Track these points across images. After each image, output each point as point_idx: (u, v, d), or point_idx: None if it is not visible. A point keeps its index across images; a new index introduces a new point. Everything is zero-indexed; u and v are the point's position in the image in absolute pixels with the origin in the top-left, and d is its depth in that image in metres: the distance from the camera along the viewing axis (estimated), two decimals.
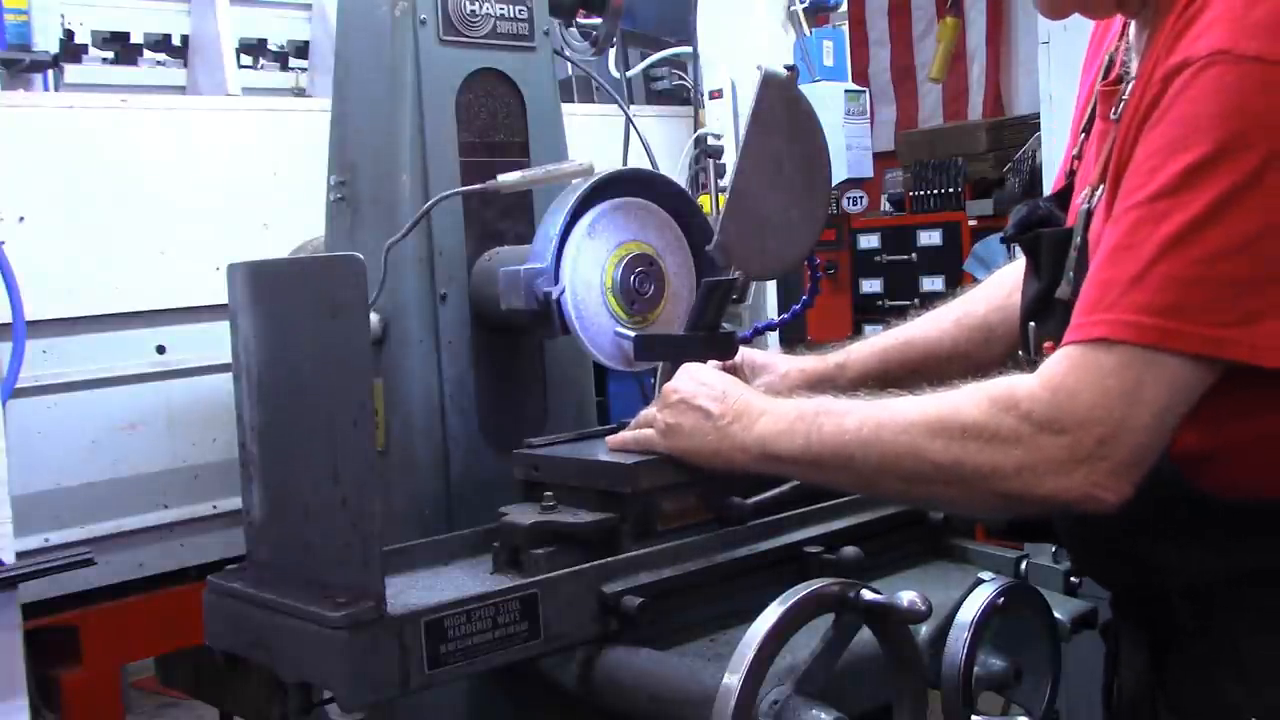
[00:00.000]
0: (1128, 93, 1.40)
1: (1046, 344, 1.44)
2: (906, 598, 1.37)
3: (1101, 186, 1.41)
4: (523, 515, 1.67)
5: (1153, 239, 1.24)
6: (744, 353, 1.89)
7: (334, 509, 1.43)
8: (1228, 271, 1.23)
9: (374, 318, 2.08)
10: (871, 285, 5.81)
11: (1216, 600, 1.39)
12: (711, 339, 1.91)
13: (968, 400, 1.35)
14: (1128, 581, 1.53)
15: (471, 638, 1.44)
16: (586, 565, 1.55)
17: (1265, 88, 1.22)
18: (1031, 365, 1.44)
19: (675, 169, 3.80)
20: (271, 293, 1.59)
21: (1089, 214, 1.43)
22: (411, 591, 1.60)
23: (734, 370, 1.85)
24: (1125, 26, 1.51)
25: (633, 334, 2.05)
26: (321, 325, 1.46)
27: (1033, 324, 1.54)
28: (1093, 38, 1.67)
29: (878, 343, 1.90)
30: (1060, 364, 1.30)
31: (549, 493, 1.71)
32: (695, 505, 1.74)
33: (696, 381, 1.64)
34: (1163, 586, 1.44)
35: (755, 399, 1.57)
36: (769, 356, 1.92)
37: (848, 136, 3.81)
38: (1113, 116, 1.44)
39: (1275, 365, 1.24)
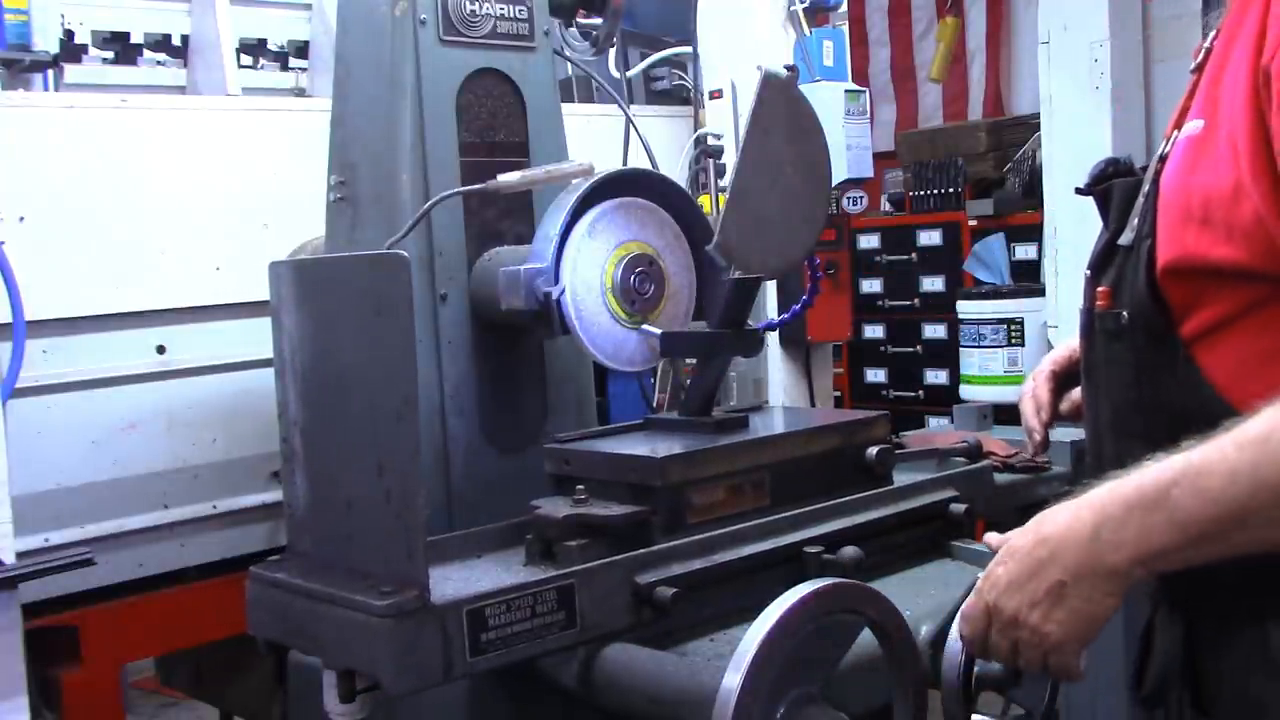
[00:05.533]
0: (1210, 41, 1.37)
1: (1100, 289, 1.40)
2: None
3: (1176, 133, 1.37)
4: (555, 508, 1.70)
5: None
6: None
7: (379, 501, 1.45)
8: None
9: None
10: (871, 285, 5.81)
11: (1263, 593, 1.29)
12: (738, 336, 1.92)
13: None
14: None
15: (511, 626, 1.46)
16: (621, 556, 1.58)
17: None
18: (1087, 315, 1.39)
19: (675, 169, 3.80)
20: (316, 290, 1.62)
21: (1163, 159, 1.37)
22: (448, 583, 1.62)
23: None
24: None
25: (658, 331, 2.05)
26: (367, 322, 1.49)
27: (1088, 272, 1.47)
28: None
29: None
30: None
31: (580, 486, 1.73)
32: (724, 498, 1.76)
33: (1014, 582, 1.34)
34: (1218, 568, 1.26)
35: (1062, 548, 1.28)
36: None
37: (848, 136, 3.78)
38: (1191, 70, 1.41)
39: None
